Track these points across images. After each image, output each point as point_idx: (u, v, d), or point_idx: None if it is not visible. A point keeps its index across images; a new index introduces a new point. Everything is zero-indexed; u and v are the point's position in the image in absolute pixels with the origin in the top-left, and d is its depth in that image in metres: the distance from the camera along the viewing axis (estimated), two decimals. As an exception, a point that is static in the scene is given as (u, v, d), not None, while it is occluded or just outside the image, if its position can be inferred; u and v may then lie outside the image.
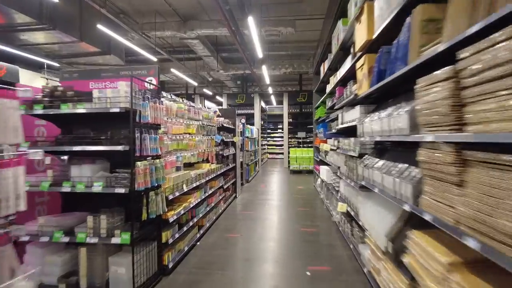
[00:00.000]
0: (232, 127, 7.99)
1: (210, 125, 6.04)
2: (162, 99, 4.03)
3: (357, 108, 3.87)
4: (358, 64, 3.71)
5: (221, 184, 6.49)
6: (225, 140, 6.90)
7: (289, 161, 16.18)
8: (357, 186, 3.77)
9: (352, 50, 4.17)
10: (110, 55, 10.71)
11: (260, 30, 9.64)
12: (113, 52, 11.01)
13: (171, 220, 3.64)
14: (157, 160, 3.31)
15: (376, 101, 3.78)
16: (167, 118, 3.96)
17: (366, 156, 3.58)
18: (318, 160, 8.79)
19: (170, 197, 3.69)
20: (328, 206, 6.69)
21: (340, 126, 5.01)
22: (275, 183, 10.93)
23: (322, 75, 7.84)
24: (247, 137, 11.17)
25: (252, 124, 16.62)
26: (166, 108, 3.92)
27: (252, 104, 17.49)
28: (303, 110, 17.09)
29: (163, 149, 3.47)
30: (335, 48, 5.60)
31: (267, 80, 14.73)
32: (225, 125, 7.09)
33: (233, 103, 17.61)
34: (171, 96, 4.66)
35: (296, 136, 17.06)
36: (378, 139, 3.00)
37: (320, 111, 8.34)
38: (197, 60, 14.89)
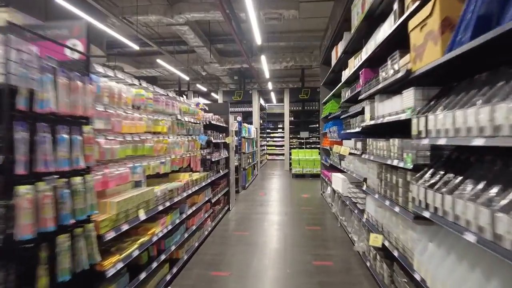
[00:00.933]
0: (224, 125, 6.58)
1: (192, 123, 4.63)
2: (104, 78, 2.62)
3: (409, 93, 2.46)
4: (414, 21, 2.30)
5: (208, 198, 5.09)
6: (214, 141, 5.50)
7: (290, 163, 14.77)
8: (408, 215, 2.38)
9: (397, 5, 2.76)
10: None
11: (258, 12, 8.25)
12: (92, 40, 9.55)
13: (110, 272, 2.23)
14: (77, 179, 1.90)
15: (437, 82, 2.38)
16: (113, 109, 2.55)
17: (430, 170, 2.18)
18: (328, 165, 7.38)
19: (110, 235, 2.28)
20: (344, 225, 5.29)
21: (369, 122, 3.61)
22: (275, 190, 9.52)
23: (333, 62, 6.44)
24: (244, 137, 9.77)
25: (250, 123, 15.24)
26: (109, 92, 2.51)
27: (250, 102, 16.08)
28: (306, 107, 15.69)
29: (92, 158, 2.07)
30: (357, 19, 4.19)
31: (267, 74, 13.33)
32: (214, 122, 5.68)
33: (230, 100, 16.19)
34: (131, 81, 3.24)
35: (298, 136, 15.66)
36: (461, 142, 1.62)
37: (331, 106, 6.94)
38: (190, 53, 13.51)
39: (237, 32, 9.70)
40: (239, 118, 9.37)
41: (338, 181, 5.52)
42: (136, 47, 9.16)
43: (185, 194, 3.90)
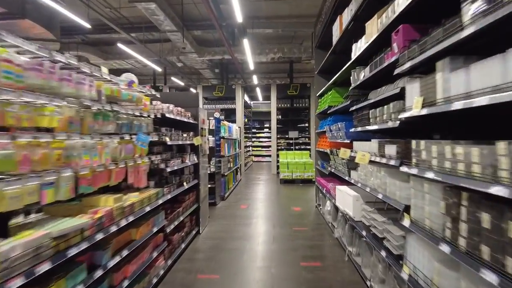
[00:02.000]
0: (192, 121, 4.95)
1: (130, 115, 3.00)
2: None
3: None
4: None
5: (159, 227, 3.45)
6: (170, 142, 3.84)
7: (278, 166, 13.23)
8: None
9: None
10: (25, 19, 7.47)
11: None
12: (36, 19, 7.80)
13: None
14: None
15: None
16: None
17: None
18: (327, 172, 5.82)
19: None
20: (354, 260, 3.73)
21: (418, 111, 2.04)
22: (261, 201, 7.92)
23: (335, 39, 4.90)
24: (224, 138, 8.14)
25: (234, 122, 13.62)
26: None
27: (233, 98, 14.45)
28: (295, 105, 14.17)
29: None
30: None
31: (251, 65, 11.74)
32: (173, 117, 4.04)
33: (210, 96, 14.53)
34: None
35: (287, 136, 14.12)
36: None
37: (331, 98, 5.40)
38: (164, 42, 11.82)
39: (216, 15, 8.10)
40: (217, 114, 7.74)
41: (345, 198, 3.96)
42: (87, 25, 7.40)
43: (100, 236, 2.26)
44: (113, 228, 2.46)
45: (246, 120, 17.07)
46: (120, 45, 8.83)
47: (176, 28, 9.36)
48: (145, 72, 16.69)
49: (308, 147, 13.91)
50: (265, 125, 21.59)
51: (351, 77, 3.91)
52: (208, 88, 14.62)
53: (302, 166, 10.87)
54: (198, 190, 5.13)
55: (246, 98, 16.68)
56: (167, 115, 3.71)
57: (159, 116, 3.59)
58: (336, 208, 4.91)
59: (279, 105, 14.19)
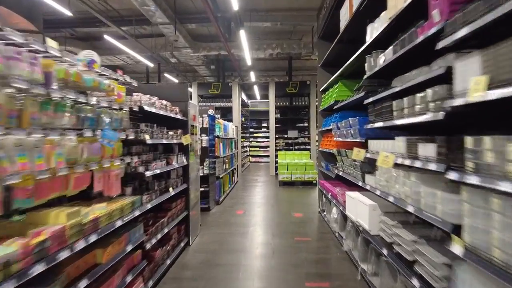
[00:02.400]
0: (181, 117, 4.35)
1: (95, 106, 2.40)
2: None
3: None
4: None
5: (137, 243, 2.85)
6: (151, 141, 3.23)
7: (276, 167, 12.65)
8: None
9: None
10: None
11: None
12: (13, 7, 7.15)
13: None
14: None
15: None
16: None
17: None
18: (333, 176, 5.21)
19: None
20: (370, 281, 3.14)
21: (479, 95, 1.46)
22: (258, 206, 7.32)
23: (343, 24, 4.32)
24: (218, 137, 7.53)
25: (230, 121, 13.01)
26: None
27: (229, 96, 13.84)
28: (294, 103, 13.58)
29: None
30: None
31: (248, 61, 11.14)
32: (155, 111, 3.44)
33: (206, 93, 13.91)
34: None
35: (286, 136, 13.53)
36: None
37: (338, 93, 4.82)
38: (157, 37, 11.21)
39: (211, 6, 7.50)
40: (211, 112, 7.14)
41: (359, 207, 3.37)
42: (68, 12, 6.78)
43: (39, 269, 1.65)
44: (64, 254, 1.85)
45: (243, 119, 16.48)
46: (107, 37, 8.21)
47: (169, 20, 8.76)
48: (138, 69, 16.06)
49: (308, 147, 13.33)
50: (263, 125, 21.00)
51: (365, 64, 3.32)
52: (203, 86, 14.00)
53: (302, 167, 10.28)
54: (187, 195, 4.53)
55: (244, 96, 16.08)
56: (146, 108, 3.10)
57: (136, 109, 2.98)
58: (345, 217, 4.33)
59: (278, 104, 13.59)
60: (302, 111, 14.08)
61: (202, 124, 6.86)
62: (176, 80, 15.05)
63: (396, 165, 2.50)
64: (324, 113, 6.24)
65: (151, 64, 12.10)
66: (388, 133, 3.10)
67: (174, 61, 13.33)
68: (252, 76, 14.25)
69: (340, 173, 4.47)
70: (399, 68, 2.69)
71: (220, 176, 7.54)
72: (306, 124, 13.99)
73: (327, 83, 5.72)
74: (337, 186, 4.83)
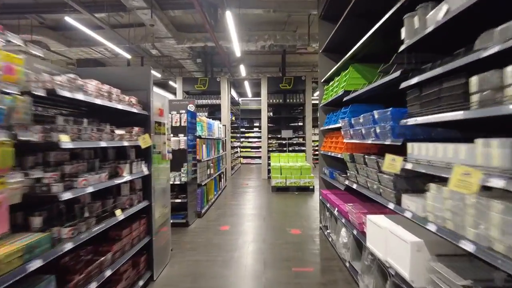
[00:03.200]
0: (139, 111, 3.20)
1: None
2: None
3: None
4: None
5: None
6: (72, 145, 2.08)
7: (269, 170, 11.56)
8: None
9: None
10: None
11: None
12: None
13: None
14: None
15: None
16: None
17: None
18: (343, 187, 4.08)
19: None
20: None
21: None
22: (248, 220, 6.18)
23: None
24: (200, 137, 6.38)
25: (219, 119, 11.85)
26: None
27: (218, 93, 12.70)
28: (288, 100, 12.49)
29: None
30: None
31: (238, 51, 9.99)
32: (84, 98, 2.28)
33: (192, 89, 12.75)
34: None
35: (279, 136, 12.42)
36: None
37: (348, 80, 3.72)
38: (137, 27, 10.03)
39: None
40: (192, 107, 6.00)
41: (391, 241, 2.27)
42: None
43: None
44: None
45: (233, 118, 15.34)
46: (68, 19, 6.98)
47: (146, 4, 7.58)
48: (118, 63, 14.79)
49: (303, 148, 12.26)
50: (255, 124, 19.89)
51: (402, 30, 2.21)
52: (189, 81, 12.81)
53: (297, 171, 9.19)
54: (149, 216, 3.38)
55: (234, 94, 14.95)
56: (60, 92, 1.94)
57: (40, 93, 1.83)
58: (359, 243, 3.24)
59: (271, 101, 12.49)
60: (296, 109, 13.01)
61: (180, 122, 5.71)
62: (158, 75, 13.82)
63: (480, 189, 1.40)
64: (327, 108, 5.15)
65: (128, 56, 10.88)
66: (441, 132, 2.01)
67: (155, 53, 12.10)
68: (243, 71, 13.12)
69: (354, 186, 3.36)
70: (456, 36, 1.61)
71: (203, 184, 6.40)
72: (301, 124, 12.93)
73: (331, 71, 4.61)
74: (347, 200, 3.73)
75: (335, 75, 4.53)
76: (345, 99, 3.75)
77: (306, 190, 9.11)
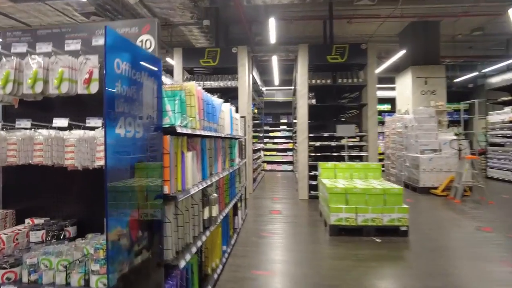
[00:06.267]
0: None
1: None
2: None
3: None
4: None
5: None
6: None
7: (312, 186, 7.46)
8: None
9: None
10: None
11: None
12: None
13: None
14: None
15: None
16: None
17: None
18: None
19: None
20: None
21: None
22: None
23: None
24: (174, 132, 2.29)
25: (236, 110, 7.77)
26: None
27: (234, 71, 8.62)
28: (340, 80, 8.23)
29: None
30: None
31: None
32: None
33: (197, 65, 8.72)
34: None
35: (325, 135, 8.18)
36: None
37: None
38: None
39: None
40: (149, 40, 1.93)
41: None
42: None
43: None
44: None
45: (255, 110, 11.22)
46: None
47: None
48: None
49: (362, 154, 8.00)
50: (282, 121, 15.73)
51: None
52: (191, 54, 8.76)
53: (378, 198, 4.97)
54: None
55: (256, 77, 10.85)
56: None
57: None
58: None
59: (312, 82, 8.27)
60: (350, 95, 8.78)
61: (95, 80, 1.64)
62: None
63: None
64: None
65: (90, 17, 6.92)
66: None
67: (144, 13, 8.13)
68: (272, 35, 8.97)
69: None
70: None
71: (183, 260, 2.30)
72: (353, 113, 8.68)
73: None
74: None
75: None
76: None
77: (394, 233, 4.88)
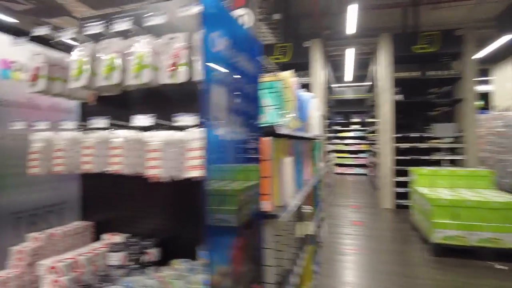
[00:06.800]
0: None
1: None
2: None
3: None
4: None
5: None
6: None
7: (399, 194, 6.61)
8: None
9: None
10: None
11: None
12: None
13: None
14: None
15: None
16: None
17: None
18: None
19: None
20: None
21: None
22: None
23: None
24: (272, 133, 1.82)
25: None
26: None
27: (305, 67, 8.04)
28: (429, 73, 7.16)
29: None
30: None
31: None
32: None
33: (267, 63, 8.32)
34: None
35: (412, 135, 7.18)
36: None
37: None
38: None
39: None
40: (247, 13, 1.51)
41: None
42: None
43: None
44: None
45: (327, 107, 10.48)
46: None
47: None
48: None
49: (457, 157, 6.85)
50: (352, 120, 14.71)
51: None
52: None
53: (498, 214, 4.01)
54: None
55: (327, 74, 10.12)
56: None
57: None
58: None
59: (398, 75, 7.32)
60: (438, 90, 7.62)
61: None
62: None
63: None
64: None
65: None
66: None
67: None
68: (349, 29, 8.21)
69: None
70: None
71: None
72: (443, 109, 7.50)
73: None
74: None
75: None
76: None
77: (523, 260, 3.89)
